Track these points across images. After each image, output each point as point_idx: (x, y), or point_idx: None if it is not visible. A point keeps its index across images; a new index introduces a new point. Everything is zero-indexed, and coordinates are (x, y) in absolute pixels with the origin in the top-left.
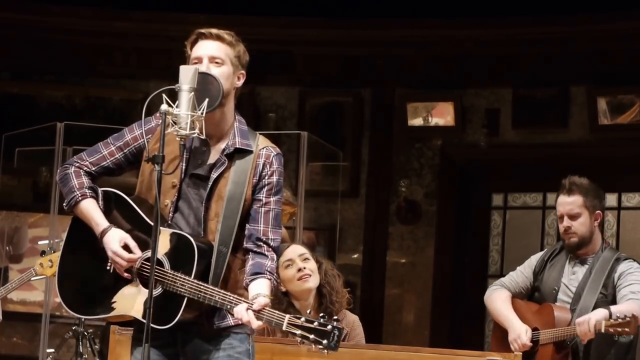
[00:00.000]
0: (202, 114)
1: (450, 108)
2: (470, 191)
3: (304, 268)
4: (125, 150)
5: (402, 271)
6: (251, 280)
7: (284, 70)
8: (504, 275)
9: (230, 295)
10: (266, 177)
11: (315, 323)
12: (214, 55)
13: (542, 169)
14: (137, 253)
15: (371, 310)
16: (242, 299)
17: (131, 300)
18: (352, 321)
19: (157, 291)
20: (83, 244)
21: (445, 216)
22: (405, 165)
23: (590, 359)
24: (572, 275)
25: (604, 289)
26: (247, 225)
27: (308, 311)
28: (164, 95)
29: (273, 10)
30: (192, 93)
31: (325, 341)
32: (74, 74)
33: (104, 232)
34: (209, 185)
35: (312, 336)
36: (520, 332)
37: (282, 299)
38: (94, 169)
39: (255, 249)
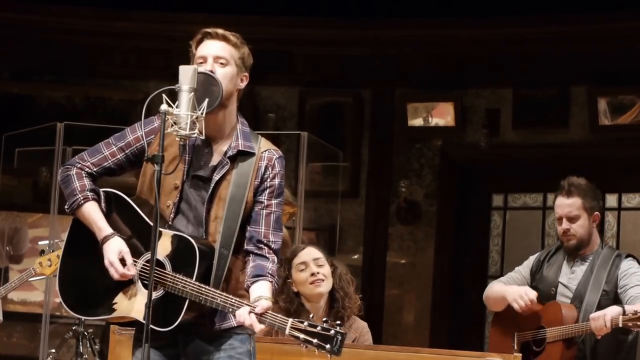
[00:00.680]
0: (202, 114)
1: (450, 108)
2: (470, 192)
3: (317, 273)
4: (126, 151)
5: (402, 271)
6: (252, 283)
7: (283, 70)
8: (503, 276)
9: (232, 298)
10: (268, 180)
11: (319, 327)
12: (218, 55)
13: (542, 169)
14: (132, 271)
15: (371, 311)
16: (244, 301)
17: (132, 302)
18: (361, 327)
19: (159, 293)
20: (84, 244)
21: (445, 216)
22: (405, 165)
23: (598, 355)
24: (571, 275)
25: (607, 286)
26: (248, 227)
27: (311, 315)
28: (164, 96)
29: (273, 10)
30: (192, 93)
31: (328, 346)
32: (74, 74)
33: (105, 239)
34: (211, 187)
35: (315, 340)
36: (521, 289)
37: (293, 298)
38: (95, 169)
39: (256, 251)
